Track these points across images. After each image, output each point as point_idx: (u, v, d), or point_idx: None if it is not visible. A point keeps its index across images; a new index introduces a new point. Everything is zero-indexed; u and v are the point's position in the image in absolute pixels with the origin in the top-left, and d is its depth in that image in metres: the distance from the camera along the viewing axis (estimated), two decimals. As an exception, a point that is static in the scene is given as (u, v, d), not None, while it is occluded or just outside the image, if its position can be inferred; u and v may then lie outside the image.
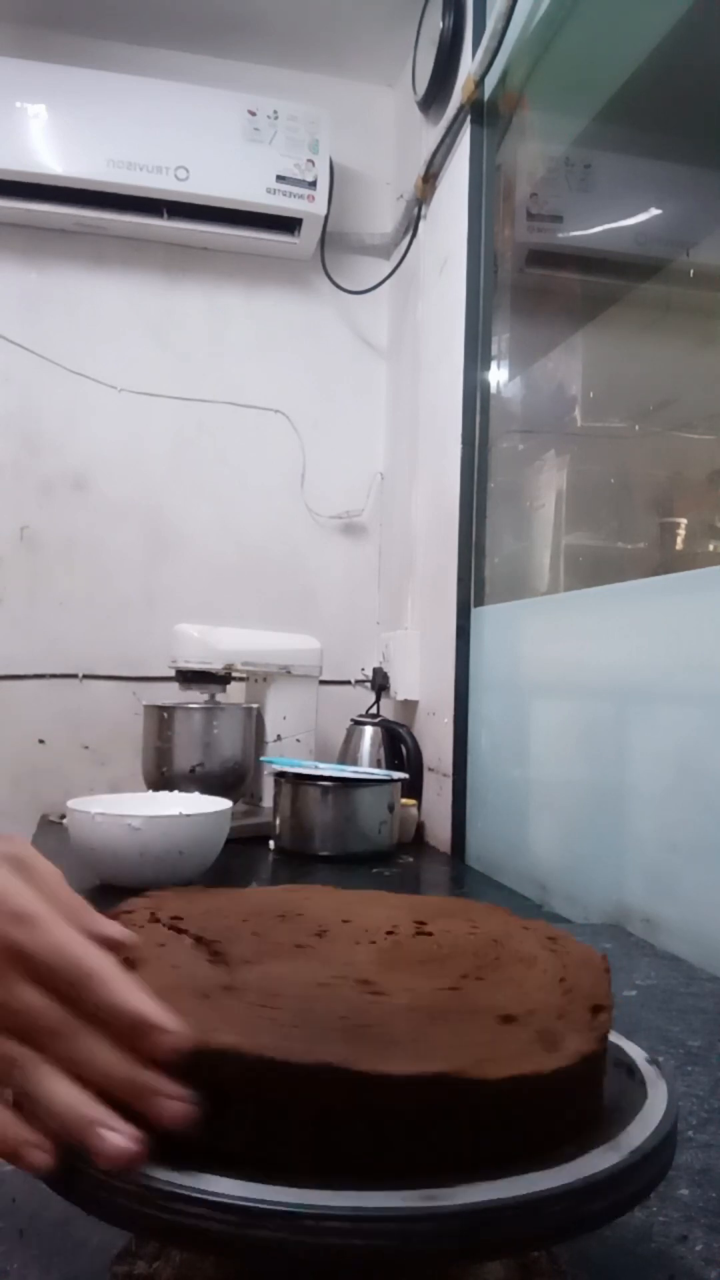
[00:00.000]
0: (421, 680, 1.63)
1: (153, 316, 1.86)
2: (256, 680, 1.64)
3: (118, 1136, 0.29)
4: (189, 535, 1.87)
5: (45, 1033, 0.31)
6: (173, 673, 1.55)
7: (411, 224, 1.76)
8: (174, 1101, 0.30)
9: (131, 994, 0.31)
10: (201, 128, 1.70)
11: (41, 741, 1.80)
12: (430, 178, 1.65)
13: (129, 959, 0.35)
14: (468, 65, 1.46)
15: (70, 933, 0.33)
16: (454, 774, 1.44)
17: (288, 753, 1.58)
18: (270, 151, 1.72)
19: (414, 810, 1.52)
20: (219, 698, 1.56)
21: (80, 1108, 0.29)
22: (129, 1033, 0.30)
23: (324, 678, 1.66)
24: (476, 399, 1.48)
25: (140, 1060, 0.30)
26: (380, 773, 1.41)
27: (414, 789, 1.53)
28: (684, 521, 1.25)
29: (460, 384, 1.48)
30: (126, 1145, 0.29)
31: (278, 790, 1.38)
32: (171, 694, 1.56)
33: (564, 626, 1.19)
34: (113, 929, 0.36)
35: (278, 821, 1.38)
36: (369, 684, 1.80)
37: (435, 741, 1.53)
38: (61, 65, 1.66)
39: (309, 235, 1.80)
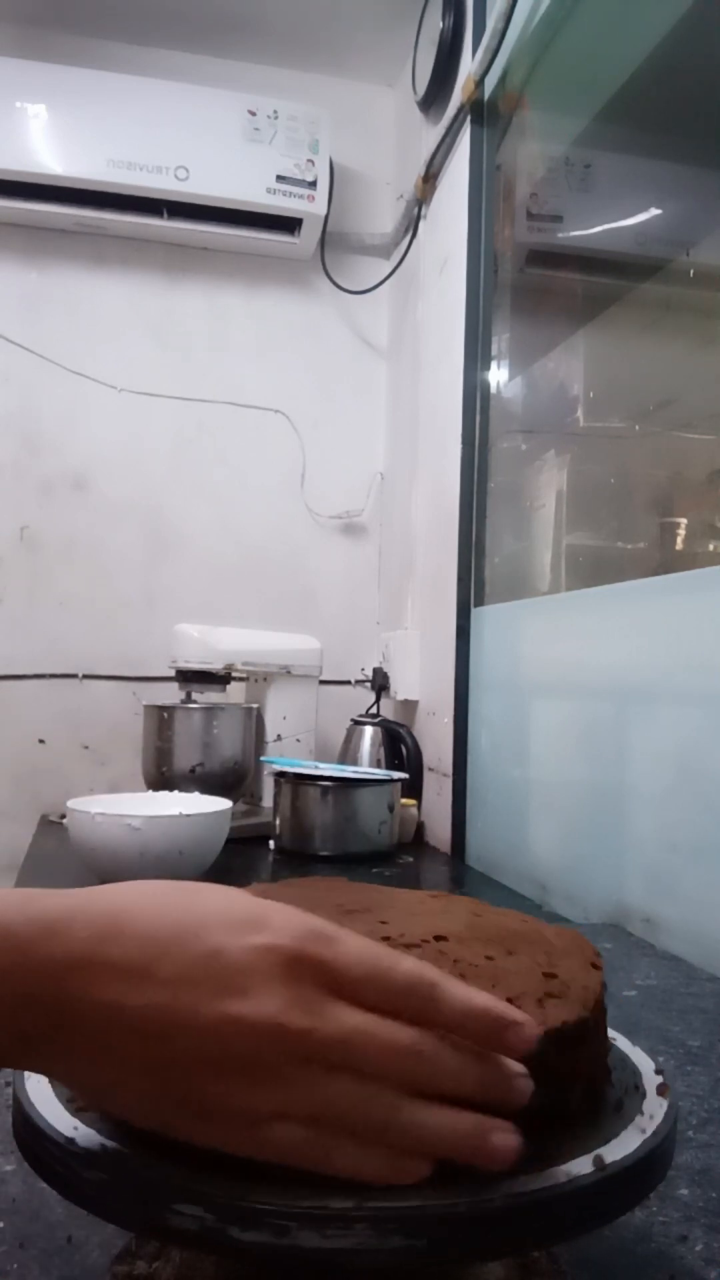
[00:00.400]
0: (421, 680, 1.63)
1: (153, 316, 1.86)
2: (256, 680, 1.64)
3: (507, 1136, 0.28)
4: (189, 535, 1.87)
5: (396, 1055, 0.28)
6: (173, 673, 1.55)
7: (411, 224, 1.76)
8: (525, 1079, 0.29)
9: (475, 993, 0.30)
10: (201, 128, 1.70)
11: (41, 741, 1.80)
12: (430, 178, 1.65)
13: None
14: (468, 65, 1.46)
15: (376, 943, 0.31)
16: (454, 774, 1.44)
17: (288, 753, 1.58)
18: (270, 151, 1.72)
19: (414, 810, 1.52)
20: (220, 698, 1.56)
21: (460, 1124, 0.28)
22: (485, 1033, 0.29)
23: (324, 678, 1.66)
24: (476, 399, 1.48)
25: (494, 1058, 0.30)
26: (380, 773, 1.41)
27: (414, 789, 1.53)
28: (684, 521, 1.25)
29: (460, 384, 1.48)
30: (517, 1140, 0.28)
31: (278, 790, 1.38)
32: (171, 694, 1.56)
33: (564, 626, 1.19)
34: None
35: (278, 821, 1.38)
36: (369, 684, 1.80)
37: (435, 741, 1.53)
38: (61, 65, 1.66)
39: (309, 235, 1.80)
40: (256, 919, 0.30)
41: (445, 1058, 0.29)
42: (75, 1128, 0.30)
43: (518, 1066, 0.29)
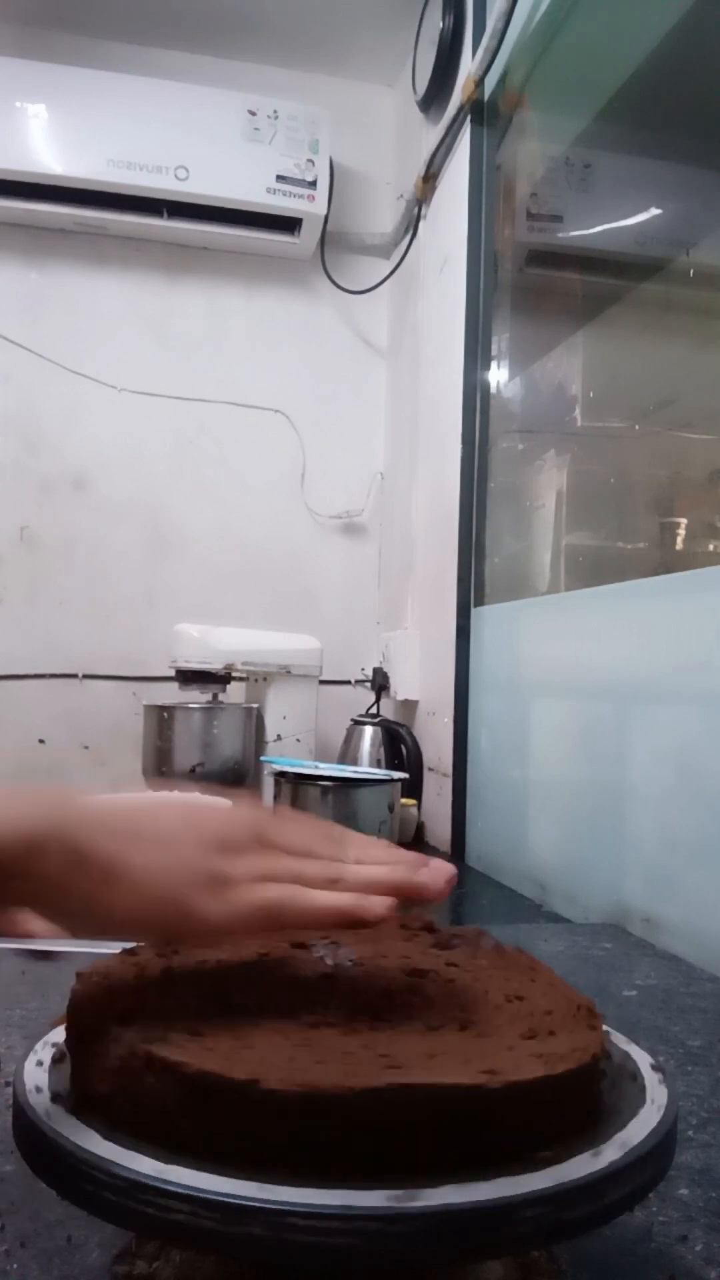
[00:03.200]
0: (421, 680, 1.63)
1: (153, 316, 1.86)
2: (256, 680, 1.64)
3: (438, 868, 0.39)
4: (189, 535, 1.87)
5: (336, 840, 0.40)
6: (173, 673, 1.55)
7: (411, 224, 1.76)
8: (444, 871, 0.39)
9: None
10: (201, 128, 1.70)
11: (41, 741, 1.80)
12: (430, 178, 1.65)
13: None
14: (468, 65, 1.46)
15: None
16: (454, 774, 1.44)
17: (288, 753, 1.58)
18: (270, 151, 1.72)
19: (414, 810, 1.52)
20: (220, 698, 1.56)
21: (396, 868, 0.39)
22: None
23: (324, 678, 1.66)
24: (476, 399, 1.48)
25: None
26: (380, 773, 1.41)
27: (414, 789, 1.53)
28: (684, 521, 1.25)
29: (460, 384, 1.48)
30: (447, 871, 0.39)
31: (278, 790, 1.38)
32: (171, 694, 1.56)
33: (564, 626, 1.19)
34: None
35: (278, 821, 1.38)
36: (369, 684, 1.80)
37: (435, 741, 1.53)
38: (61, 65, 1.66)
39: (309, 235, 1.80)
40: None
41: (366, 842, 0.41)
42: (76, 1128, 0.30)
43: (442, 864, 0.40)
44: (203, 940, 0.36)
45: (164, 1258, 0.36)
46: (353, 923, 0.37)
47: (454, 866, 0.40)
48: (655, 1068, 0.36)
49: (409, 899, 0.38)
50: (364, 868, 0.39)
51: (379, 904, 0.37)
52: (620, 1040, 0.38)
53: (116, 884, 0.35)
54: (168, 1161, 0.29)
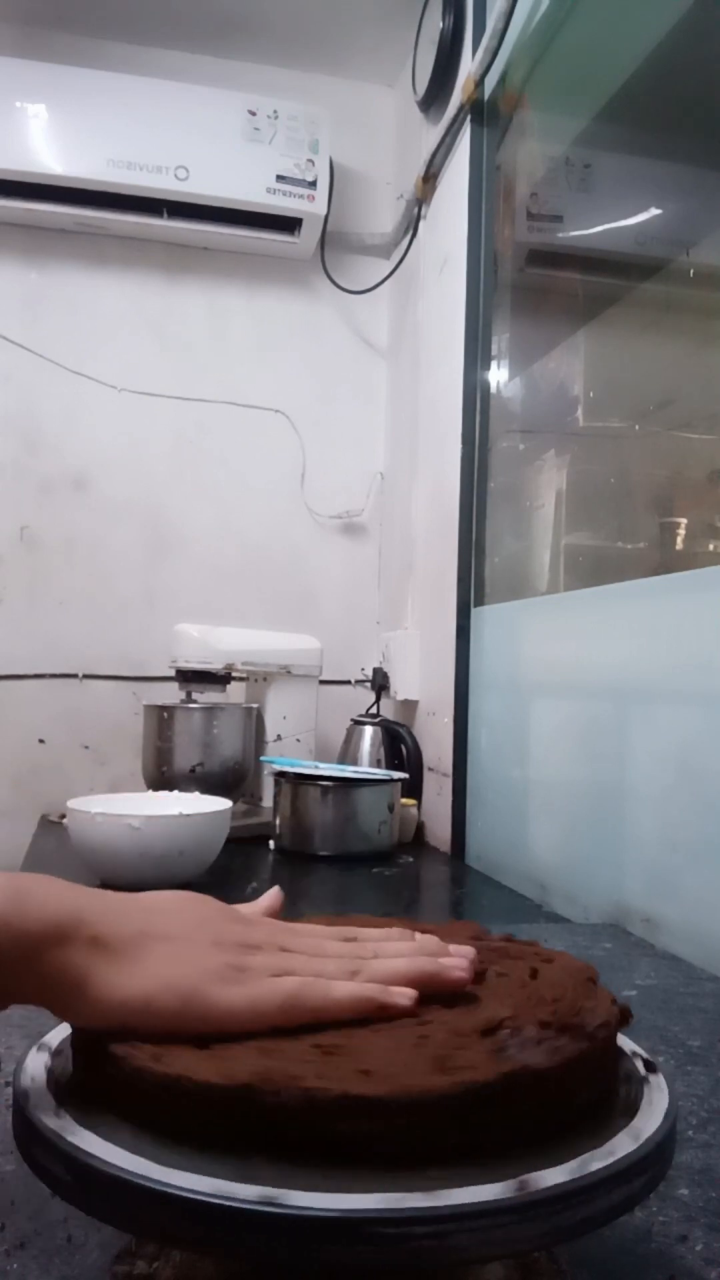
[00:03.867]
0: (421, 680, 1.63)
1: (153, 316, 1.86)
2: (256, 680, 1.64)
3: (459, 959, 0.39)
4: (189, 535, 1.87)
5: (352, 948, 0.40)
6: (173, 673, 1.55)
7: (411, 224, 1.76)
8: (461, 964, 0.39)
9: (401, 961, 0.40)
10: (201, 128, 1.70)
11: (41, 741, 1.80)
12: (430, 177, 1.65)
13: None
14: (468, 65, 1.46)
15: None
16: (454, 774, 1.44)
17: (288, 753, 1.58)
18: (270, 151, 1.72)
19: (414, 810, 1.52)
20: (220, 698, 1.56)
21: (416, 960, 0.39)
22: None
23: (324, 678, 1.66)
24: (476, 399, 1.48)
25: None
26: (380, 773, 1.41)
27: (414, 789, 1.53)
28: (684, 521, 1.25)
29: (460, 384, 1.48)
30: (468, 960, 0.39)
31: (278, 790, 1.38)
32: (171, 694, 1.56)
33: (564, 626, 1.19)
34: None
35: (278, 821, 1.38)
36: (369, 684, 1.80)
37: (435, 741, 1.53)
38: (61, 65, 1.66)
39: (309, 235, 1.80)
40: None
41: (388, 946, 0.41)
42: (74, 1128, 0.30)
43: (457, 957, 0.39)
44: (218, 1031, 0.34)
45: (164, 1258, 0.36)
46: (376, 1012, 0.36)
47: (473, 949, 0.40)
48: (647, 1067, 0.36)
49: (432, 988, 0.37)
50: (383, 962, 0.38)
51: (402, 995, 0.36)
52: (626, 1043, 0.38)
53: (134, 971, 0.35)
54: (168, 1162, 0.29)
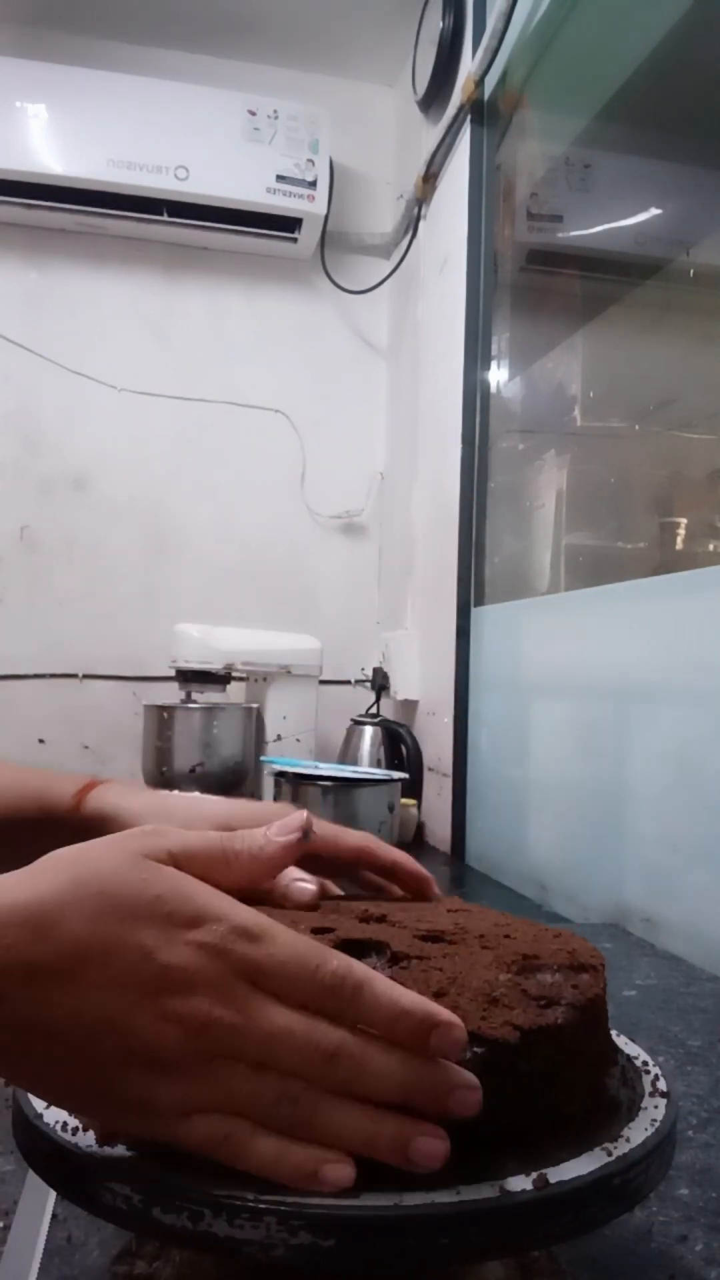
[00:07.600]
0: (421, 680, 1.63)
1: (153, 316, 1.86)
2: (256, 680, 1.64)
3: (433, 1141, 0.28)
4: (189, 535, 1.87)
5: (318, 1056, 0.28)
6: (173, 673, 1.55)
7: (411, 224, 1.76)
8: (471, 1091, 0.29)
9: (404, 993, 0.29)
10: (201, 128, 1.70)
11: (41, 741, 1.80)
12: (430, 177, 1.65)
13: None
14: (468, 65, 1.46)
15: (307, 940, 0.30)
16: (454, 774, 1.44)
17: (288, 753, 1.58)
18: (270, 151, 1.72)
19: (414, 810, 1.52)
20: (219, 698, 1.56)
21: (382, 1125, 0.28)
22: (412, 1034, 0.29)
23: (324, 678, 1.66)
24: (476, 399, 1.48)
25: (426, 1061, 0.29)
26: (380, 773, 1.41)
27: (414, 789, 1.53)
28: (684, 521, 1.25)
29: (460, 384, 1.48)
30: (443, 1144, 0.28)
31: (278, 790, 1.38)
32: (171, 694, 1.56)
33: (564, 626, 1.19)
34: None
35: (278, 821, 1.38)
36: (369, 684, 1.80)
37: (435, 741, 1.53)
38: (61, 65, 1.66)
39: (309, 235, 1.80)
40: (188, 915, 0.29)
41: (370, 1060, 0.29)
42: (74, 1128, 0.30)
43: (467, 1077, 0.29)
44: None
45: (164, 1258, 0.36)
46: (303, 1184, 0.28)
47: (476, 1090, 0.29)
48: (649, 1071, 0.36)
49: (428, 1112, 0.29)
50: (338, 1110, 0.28)
51: (340, 1171, 0.28)
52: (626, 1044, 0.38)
53: (19, 1076, 0.30)
54: (166, 1163, 0.29)
